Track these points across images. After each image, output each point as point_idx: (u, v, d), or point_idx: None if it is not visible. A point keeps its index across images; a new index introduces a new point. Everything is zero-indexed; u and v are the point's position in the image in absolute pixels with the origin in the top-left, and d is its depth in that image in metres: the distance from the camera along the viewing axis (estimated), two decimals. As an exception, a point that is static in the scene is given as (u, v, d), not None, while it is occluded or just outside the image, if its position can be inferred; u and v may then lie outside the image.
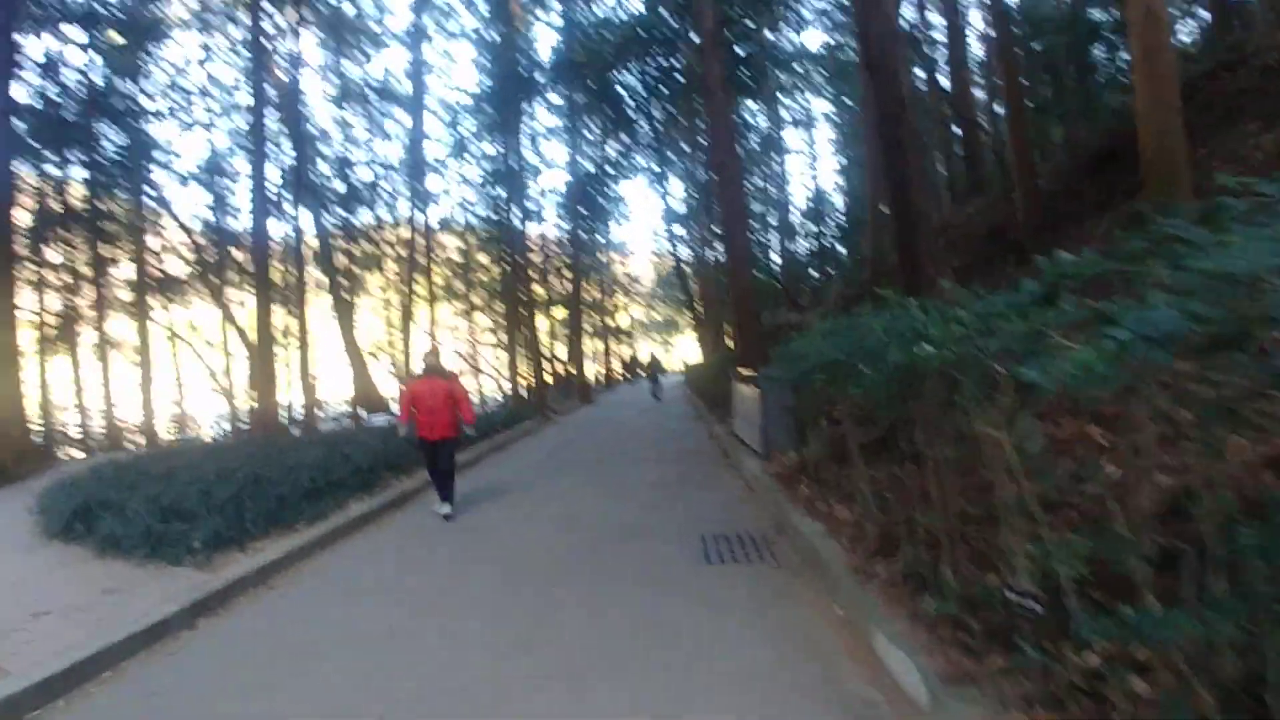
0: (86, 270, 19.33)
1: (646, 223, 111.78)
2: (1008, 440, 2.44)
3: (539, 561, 5.43)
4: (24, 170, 18.53)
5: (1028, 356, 1.93)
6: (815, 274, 34.02)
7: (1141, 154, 7.28)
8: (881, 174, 11.61)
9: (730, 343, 28.80)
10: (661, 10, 20.18)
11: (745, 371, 9.68)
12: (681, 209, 35.93)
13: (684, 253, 36.92)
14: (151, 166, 22.97)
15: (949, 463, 3.63)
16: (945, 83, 22.12)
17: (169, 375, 23.50)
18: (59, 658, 3.74)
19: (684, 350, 63.13)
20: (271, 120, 21.20)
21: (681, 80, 24.17)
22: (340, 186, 26.42)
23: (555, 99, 29.81)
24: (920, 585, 3.65)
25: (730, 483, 8.31)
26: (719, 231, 28.81)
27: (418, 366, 8.48)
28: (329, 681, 3.59)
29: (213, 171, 23.03)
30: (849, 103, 30.34)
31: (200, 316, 28.13)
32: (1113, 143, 12.71)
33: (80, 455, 15.59)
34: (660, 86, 25.23)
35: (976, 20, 23.12)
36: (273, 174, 21.07)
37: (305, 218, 25.78)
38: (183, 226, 24.49)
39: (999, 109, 22.88)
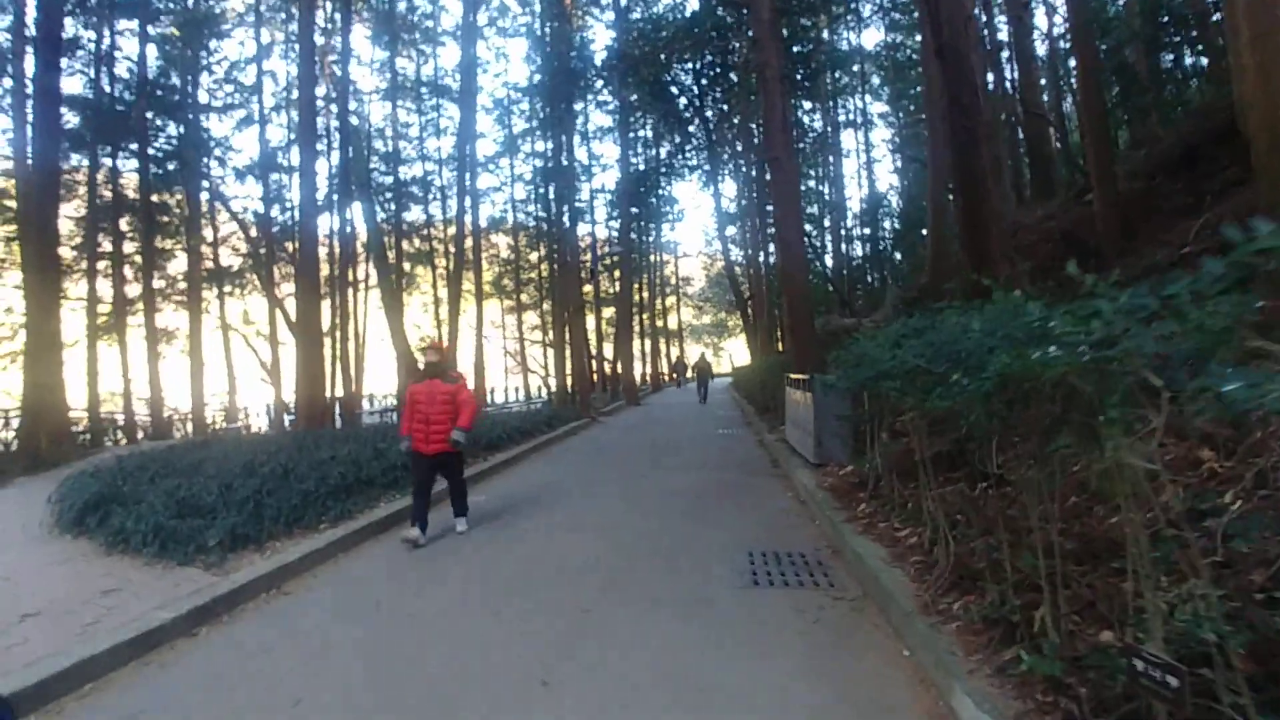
0: (139, 260, 19.61)
1: (698, 224, 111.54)
2: (1152, 466, 1.90)
3: (569, 581, 4.98)
4: (82, 162, 18.98)
5: (1208, 363, 1.41)
6: (869, 278, 33.09)
7: (1253, 146, 6.51)
8: (948, 169, 10.90)
9: (780, 346, 28.13)
10: (716, 2, 19.68)
11: (798, 376, 9.12)
12: (733, 211, 35.44)
13: (735, 255, 36.37)
14: (208, 160, 23.42)
15: (1045, 489, 3.06)
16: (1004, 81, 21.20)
17: (220, 365, 23.87)
18: (34, 668, 3.43)
19: (732, 353, 62.40)
20: (325, 117, 21.37)
21: (735, 77, 23.66)
22: (391, 181, 26.52)
23: (607, 97, 29.57)
24: (1008, 634, 3.10)
25: (781, 494, 7.76)
26: (771, 232, 28.22)
27: (456, 363, 7.68)
28: (329, 709, 3.20)
29: (266, 166, 23.28)
30: (906, 103, 29.44)
31: (253, 308, 28.66)
32: (1196, 141, 11.79)
33: (124, 443, 15.75)
34: (714, 81, 24.71)
35: (1039, 20, 22.13)
36: (326, 168, 21.20)
37: (357, 214, 26.13)
38: (236, 219, 24.89)
39: (1064, 108, 21.84)
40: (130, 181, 20.81)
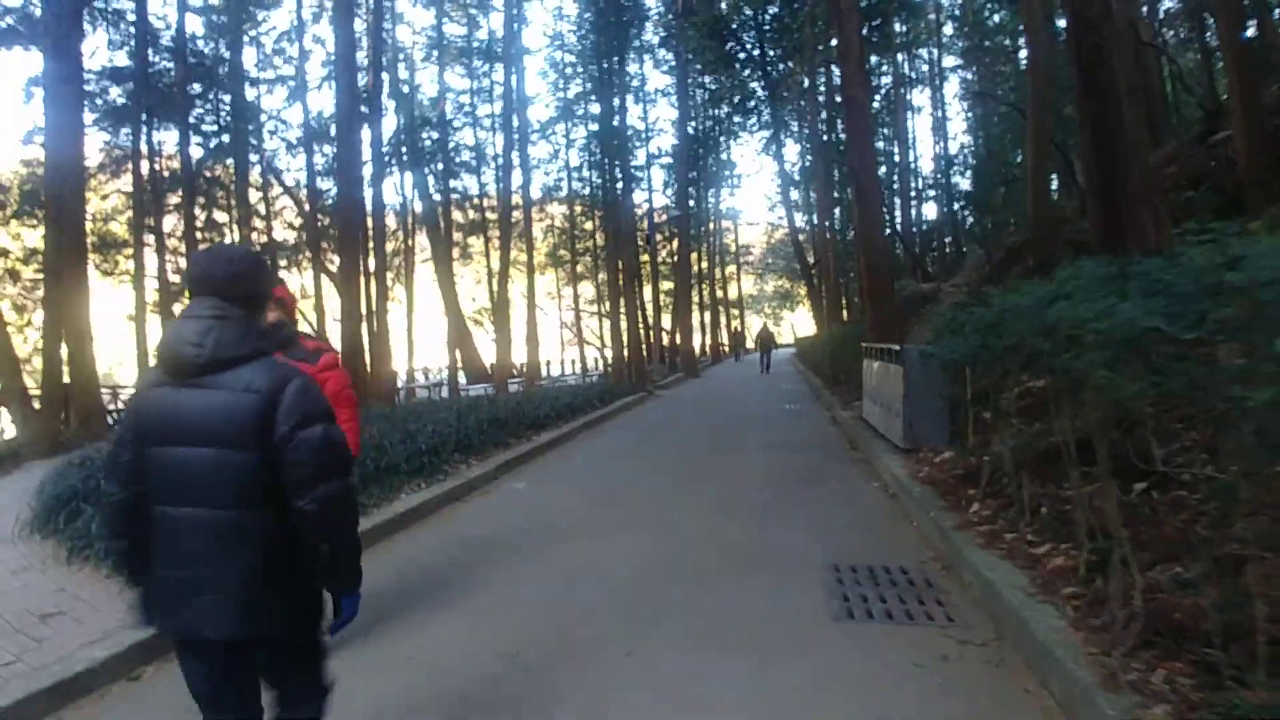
0: (186, 234, 19.32)
1: (758, 190, 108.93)
2: None
3: (607, 607, 3.96)
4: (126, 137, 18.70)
5: None
6: (943, 242, 31.00)
7: None
8: (1071, 102, 9.34)
9: (845, 315, 26.56)
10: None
11: (884, 347, 7.88)
12: (796, 176, 33.66)
13: (798, 221, 34.64)
14: (258, 132, 23.05)
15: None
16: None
17: (276, 340, 23.61)
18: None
19: (794, 324, 60.44)
20: (369, 77, 20.61)
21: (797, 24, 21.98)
22: (440, 149, 25.75)
23: (665, 54, 28.16)
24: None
25: (865, 486, 6.59)
26: (837, 196, 26.53)
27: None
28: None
29: (316, 138, 22.76)
30: (983, 55, 27.09)
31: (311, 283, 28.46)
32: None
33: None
34: (778, 31, 23.07)
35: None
36: (373, 140, 20.51)
37: (409, 185, 25.51)
38: (288, 191, 24.55)
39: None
40: (180, 155, 20.53)
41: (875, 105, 27.64)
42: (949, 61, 32.75)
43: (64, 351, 10.22)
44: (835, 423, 10.77)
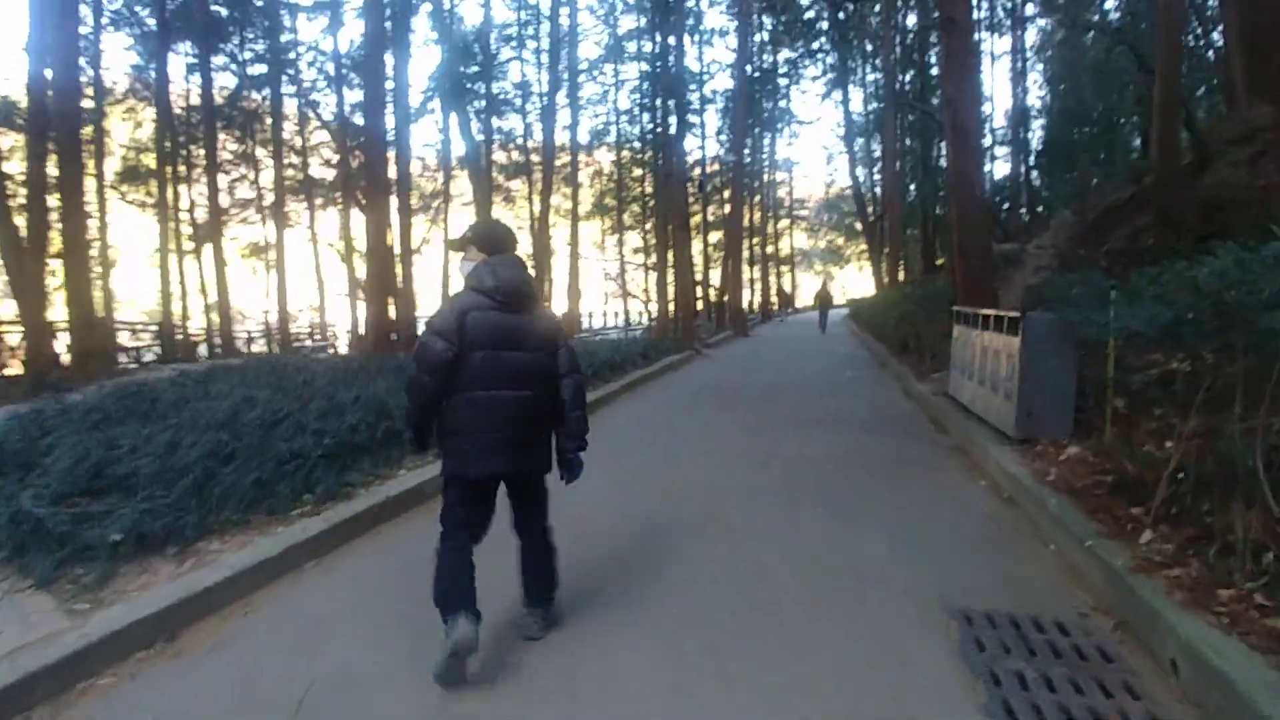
0: (208, 166, 18.42)
1: (816, 140, 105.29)
2: None
3: (612, 683, 2.85)
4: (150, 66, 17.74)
5: None
6: (1020, 200, 28.73)
7: None
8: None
9: (902, 276, 24.81)
10: None
11: (989, 313, 6.52)
12: (860, 126, 31.51)
13: (860, 174, 32.59)
14: (295, 63, 22.02)
15: None
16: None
17: (312, 281, 22.92)
18: None
19: (845, 283, 58.02)
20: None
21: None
22: (485, 82, 24.36)
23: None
24: None
25: (966, 484, 5.33)
26: (909, 144, 24.57)
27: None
28: None
29: (353, 68, 21.58)
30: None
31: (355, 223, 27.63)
32: None
33: (190, 361, 14.76)
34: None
35: None
36: (420, 76, 19.33)
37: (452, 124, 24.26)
38: (326, 126, 23.54)
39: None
40: (215, 86, 19.60)
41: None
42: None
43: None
44: (910, 396, 9.45)
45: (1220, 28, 16.37)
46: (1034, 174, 27.74)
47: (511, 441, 2.79)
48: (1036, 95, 29.70)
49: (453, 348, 2.68)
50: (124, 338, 16.83)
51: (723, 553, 3.94)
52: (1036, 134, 28.83)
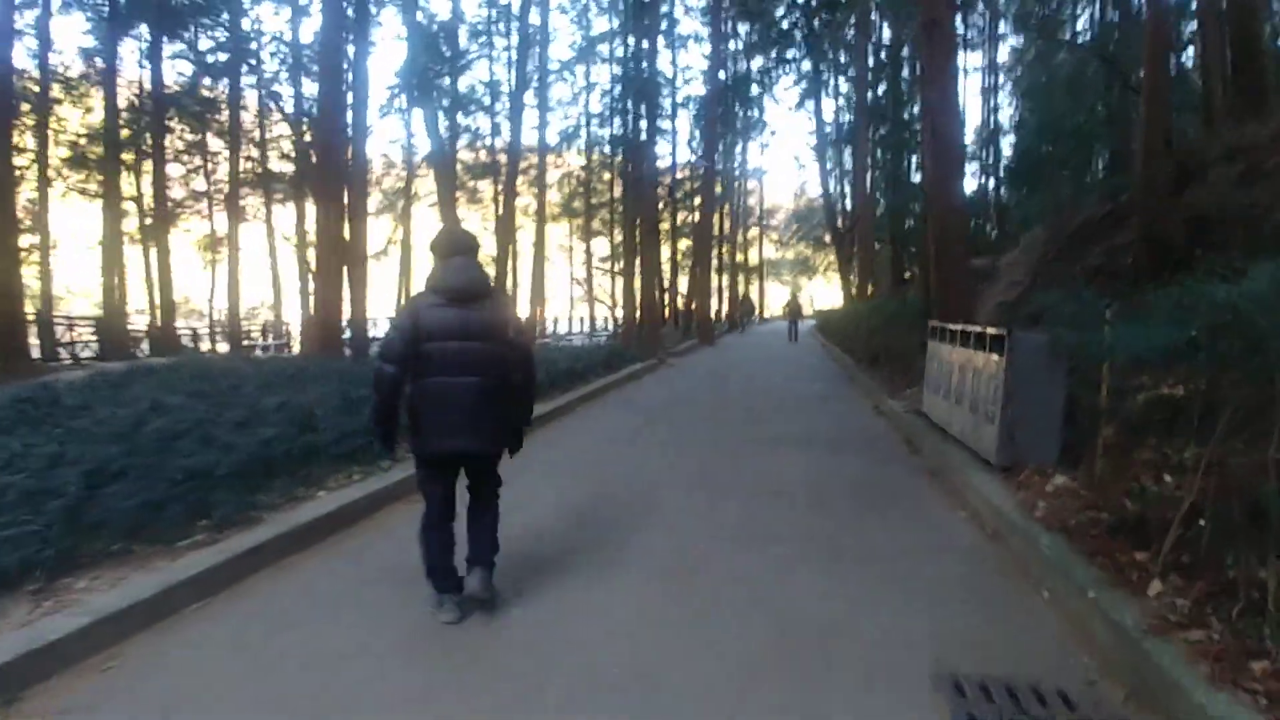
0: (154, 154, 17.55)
1: (787, 150, 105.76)
2: None
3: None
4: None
5: None
6: (986, 219, 28.80)
7: None
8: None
9: (871, 290, 24.66)
10: None
11: (968, 329, 6.14)
12: (832, 136, 31.42)
13: (831, 186, 32.49)
14: (256, 54, 21.21)
15: None
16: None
17: (264, 278, 22.02)
18: None
19: (815, 293, 58.10)
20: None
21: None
22: (452, 78, 23.67)
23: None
24: None
25: (946, 515, 4.90)
26: (883, 156, 24.40)
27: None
28: None
29: (310, 59, 20.82)
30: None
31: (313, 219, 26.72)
32: None
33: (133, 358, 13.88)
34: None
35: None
36: (388, 73, 18.61)
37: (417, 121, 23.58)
38: (287, 119, 22.71)
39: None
40: (173, 74, 18.75)
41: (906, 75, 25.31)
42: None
43: None
44: (881, 414, 9.08)
45: (1192, 49, 16.46)
46: (1002, 191, 27.84)
47: (461, 424, 3.06)
48: (1007, 112, 29.89)
49: (406, 338, 3.01)
50: (61, 332, 15.91)
51: (677, 603, 3.45)
52: (1006, 151, 29.00)
